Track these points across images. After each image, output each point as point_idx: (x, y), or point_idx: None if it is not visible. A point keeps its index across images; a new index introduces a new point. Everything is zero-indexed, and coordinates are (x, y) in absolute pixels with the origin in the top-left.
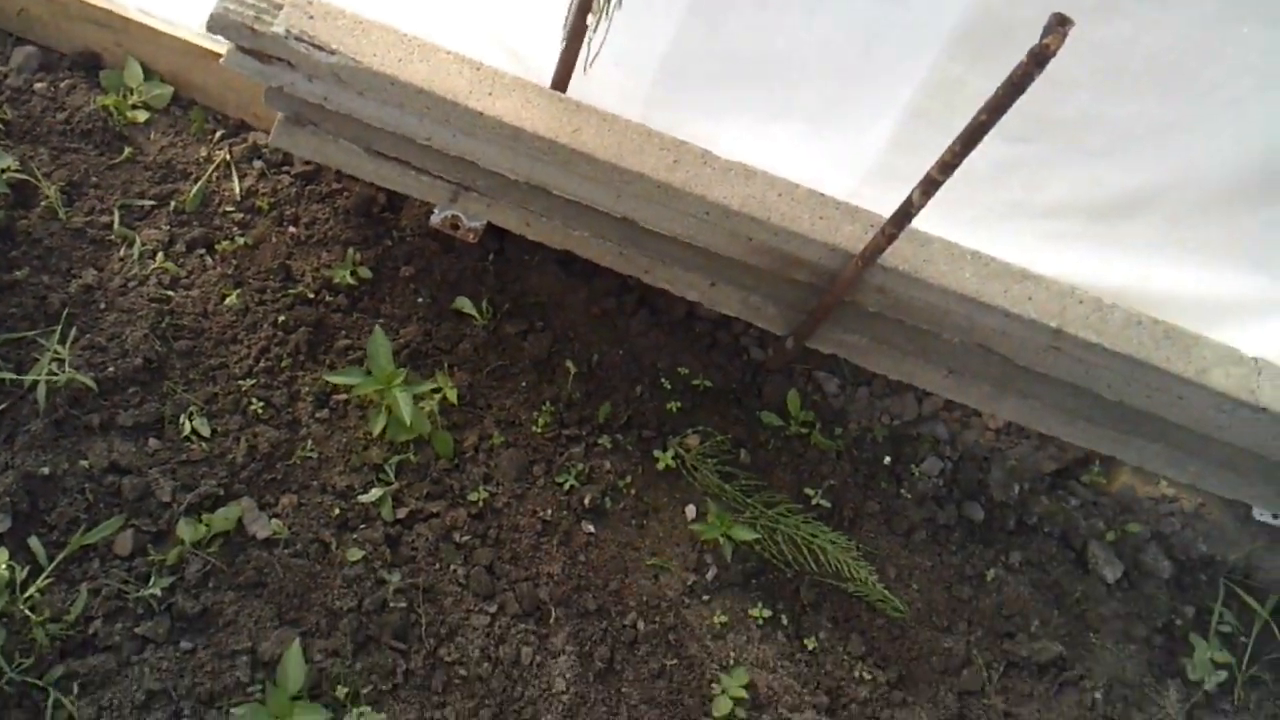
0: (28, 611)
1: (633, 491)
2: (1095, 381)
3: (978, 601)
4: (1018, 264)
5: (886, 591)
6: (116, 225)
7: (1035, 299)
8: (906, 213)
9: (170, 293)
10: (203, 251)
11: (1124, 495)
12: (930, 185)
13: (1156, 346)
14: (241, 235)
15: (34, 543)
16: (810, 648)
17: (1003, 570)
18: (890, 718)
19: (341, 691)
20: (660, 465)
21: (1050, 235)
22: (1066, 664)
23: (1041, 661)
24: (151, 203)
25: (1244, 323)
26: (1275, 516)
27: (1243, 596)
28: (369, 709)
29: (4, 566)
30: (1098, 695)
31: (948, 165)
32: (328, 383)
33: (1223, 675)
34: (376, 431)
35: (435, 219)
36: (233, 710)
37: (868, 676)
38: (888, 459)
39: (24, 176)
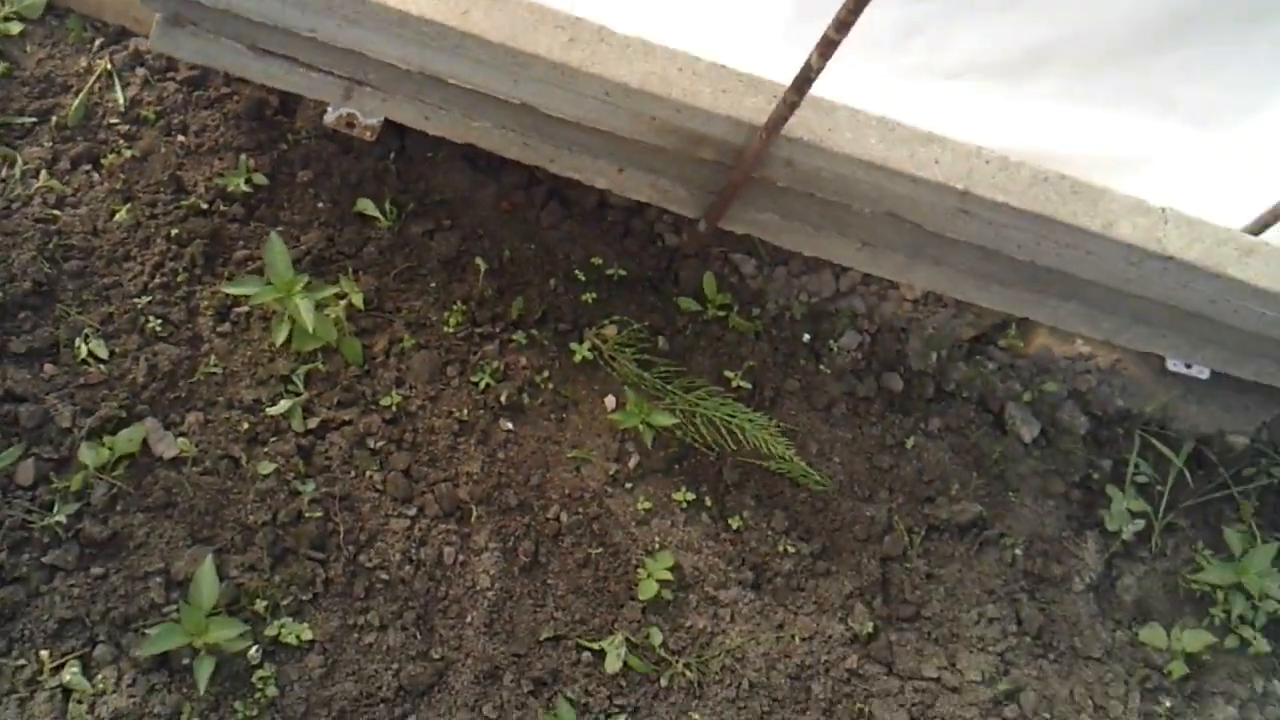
0: None
1: (550, 386)
2: (1005, 243)
3: (898, 470)
4: (923, 128)
5: (808, 466)
6: None
7: (942, 162)
8: (806, 77)
9: (56, 212)
10: (88, 167)
11: (1041, 357)
12: (828, 46)
13: (1064, 202)
14: (128, 148)
15: None
16: (735, 527)
17: (922, 437)
18: (815, 588)
19: (261, 605)
20: (577, 358)
21: (955, 96)
22: (986, 523)
23: (962, 522)
24: (32, 119)
25: (1153, 171)
26: (1188, 366)
27: (1158, 447)
28: (290, 620)
29: None
30: (1018, 551)
31: (844, 24)
32: (228, 295)
33: (1140, 524)
34: (280, 342)
35: (329, 118)
36: (148, 631)
37: (791, 550)
38: (806, 336)
39: None
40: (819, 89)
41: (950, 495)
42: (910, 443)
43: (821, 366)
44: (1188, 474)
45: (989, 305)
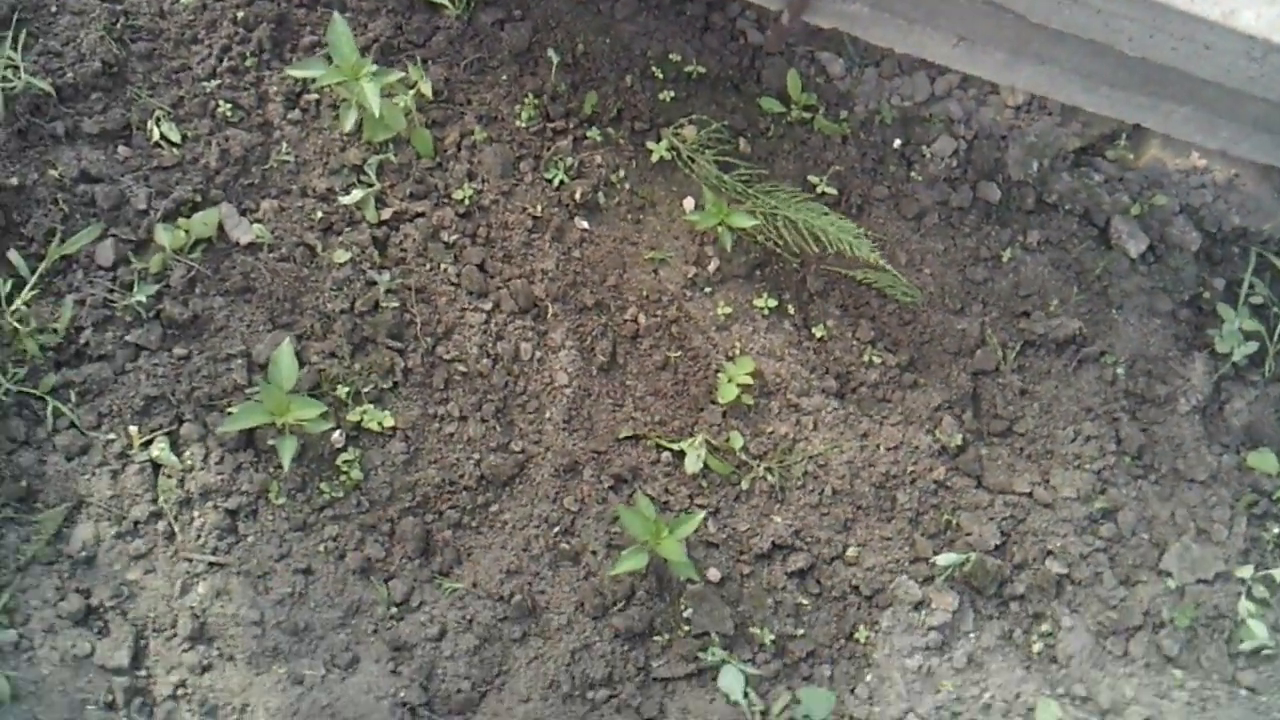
0: (15, 324)
1: (626, 185)
2: (1116, 35)
3: (993, 282)
4: None
5: (897, 275)
6: None
7: None
8: None
9: None
10: None
11: (1152, 169)
12: None
13: None
14: None
15: (14, 256)
16: (818, 335)
17: (1020, 250)
18: (901, 399)
19: (342, 391)
20: (654, 157)
21: None
22: (1086, 340)
23: (1060, 338)
24: None
25: None
26: None
27: (1276, 265)
28: (371, 407)
29: None
30: (1119, 370)
31: None
32: (296, 81)
33: (1253, 346)
34: (349, 128)
35: None
36: (230, 410)
37: (877, 360)
38: (897, 142)
39: None
40: None
41: (1048, 310)
42: (1007, 255)
43: (913, 174)
44: None
45: (1097, 110)
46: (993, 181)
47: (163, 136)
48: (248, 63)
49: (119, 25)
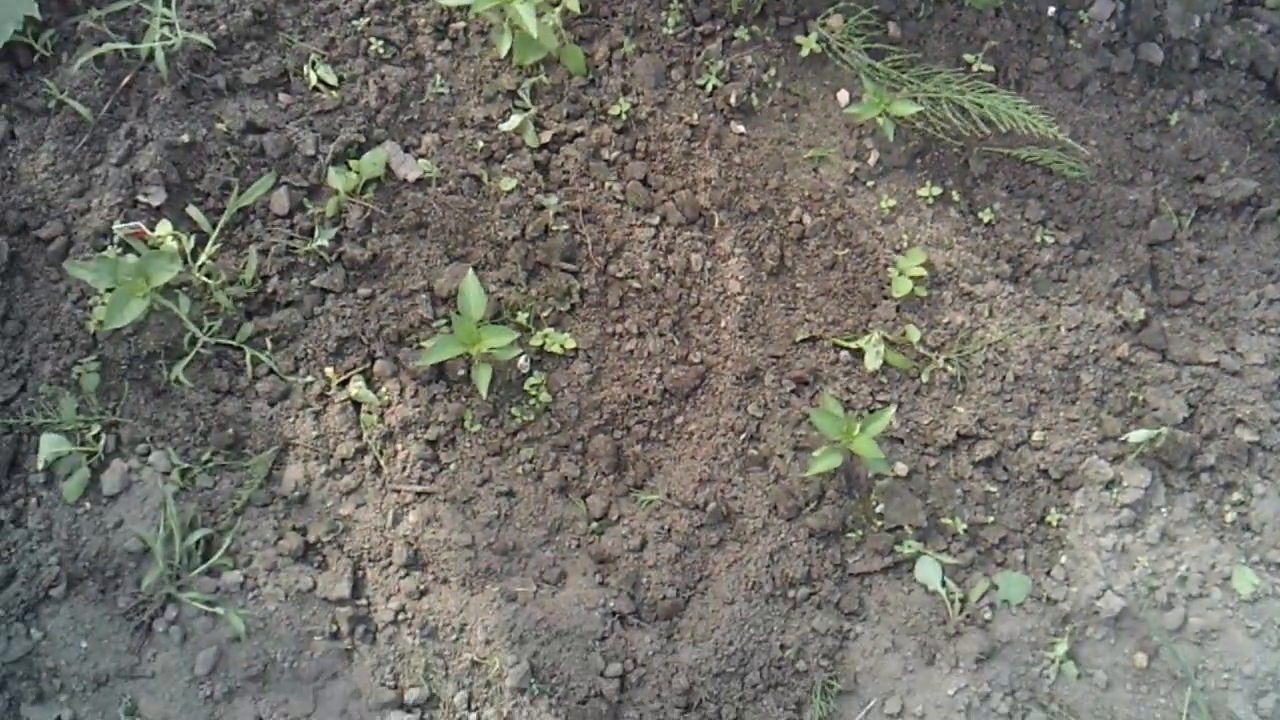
0: (204, 279)
1: (779, 84)
2: None
3: (1162, 149)
4: None
5: (1062, 151)
6: None
7: None
8: None
9: None
10: None
11: None
12: None
13: None
14: None
15: (194, 211)
16: (986, 220)
17: (1187, 112)
18: (1077, 278)
19: (522, 317)
20: (804, 51)
21: None
22: (1263, 200)
23: (1235, 201)
24: None
25: None
26: None
27: None
28: (552, 330)
29: (170, 239)
30: None
31: None
32: (444, 10)
33: None
34: (503, 53)
35: None
36: (424, 345)
37: (1050, 240)
38: (1052, 9)
39: None
40: None
41: (1221, 173)
42: (1174, 119)
43: (1071, 41)
44: None
45: None
46: (1153, 42)
47: (320, 80)
48: None
49: None
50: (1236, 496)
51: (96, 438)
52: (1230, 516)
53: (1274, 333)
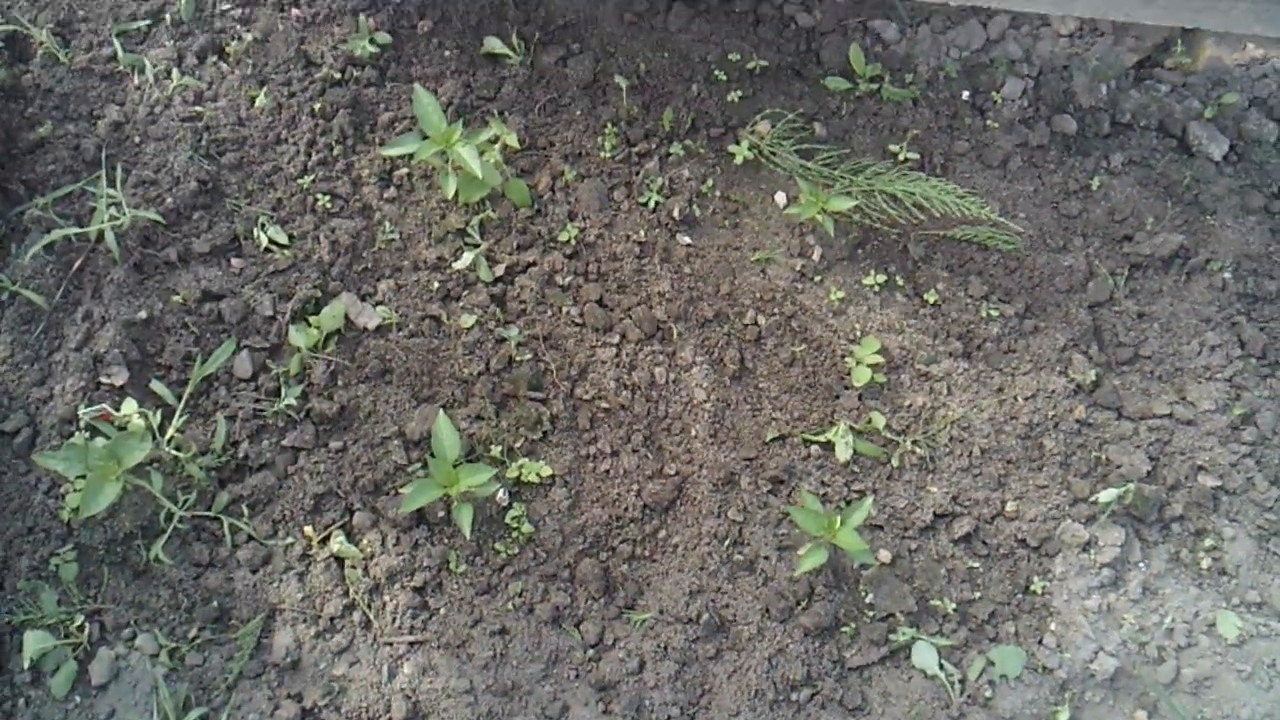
0: (175, 452)
1: (718, 193)
2: None
3: (1088, 213)
4: None
5: (994, 227)
6: (120, 54)
7: None
8: None
9: (199, 109)
10: (215, 58)
11: (1213, 69)
12: None
13: None
14: (247, 31)
15: (158, 386)
16: (932, 300)
17: (1107, 176)
18: (1026, 346)
19: (496, 450)
20: (738, 159)
21: None
22: (1190, 252)
23: (1165, 255)
24: (146, 23)
25: None
26: None
27: None
28: (527, 460)
29: (137, 417)
30: (1227, 275)
31: None
32: (386, 160)
33: None
34: (449, 194)
35: None
36: (401, 491)
37: (995, 314)
38: (966, 94)
39: (10, 27)
40: None
41: (1147, 230)
42: (1095, 183)
43: (988, 121)
44: None
45: (1155, 21)
46: (1066, 113)
47: (271, 240)
48: (335, 151)
49: (204, 141)
50: (1209, 542)
51: (80, 628)
52: (1205, 563)
53: (1219, 377)
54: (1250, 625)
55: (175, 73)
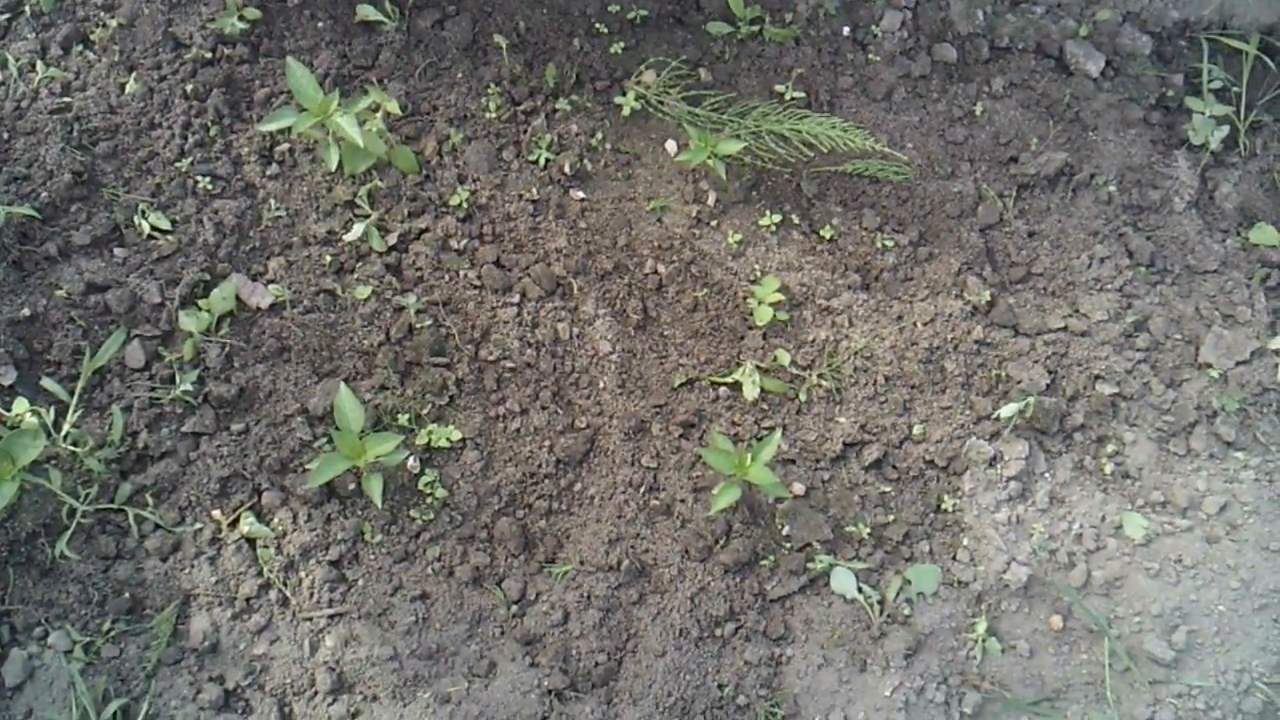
0: (71, 448)
1: (608, 146)
2: None
3: (973, 139)
4: None
5: (883, 159)
6: None
7: None
8: None
9: (67, 99)
10: (80, 47)
11: None
12: None
13: None
14: (111, 17)
15: (48, 383)
16: (828, 236)
17: (989, 100)
18: (922, 274)
19: (403, 419)
20: (626, 111)
21: None
22: (1074, 168)
23: (1050, 174)
24: (4, 16)
25: None
26: None
27: (1226, 45)
28: (435, 426)
29: (29, 415)
30: (1112, 188)
31: None
32: (266, 136)
33: (1225, 130)
34: (333, 166)
35: None
36: (308, 467)
37: (890, 244)
38: (846, 29)
39: None
40: None
41: (1032, 150)
42: (979, 109)
43: (870, 56)
44: (1264, 60)
45: None
46: (945, 42)
47: (153, 227)
48: (211, 132)
49: (75, 132)
50: (1111, 448)
51: None
52: (1109, 468)
53: (1111, 289)
54: (1155, 525)
55: (40, 65)
